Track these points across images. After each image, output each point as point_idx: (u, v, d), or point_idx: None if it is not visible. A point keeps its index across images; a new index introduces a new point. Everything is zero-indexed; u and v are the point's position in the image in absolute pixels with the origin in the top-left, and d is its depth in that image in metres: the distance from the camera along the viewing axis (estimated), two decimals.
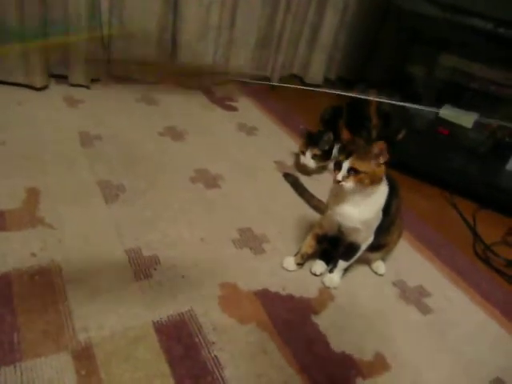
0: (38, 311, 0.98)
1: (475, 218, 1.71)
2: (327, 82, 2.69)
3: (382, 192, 1.11)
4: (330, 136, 1.67)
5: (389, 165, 1.07)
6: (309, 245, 1.24)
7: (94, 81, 2.01)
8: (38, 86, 1.86)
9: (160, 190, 1.45)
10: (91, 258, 1.14)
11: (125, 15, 1.97)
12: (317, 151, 1.67)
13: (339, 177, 1.05)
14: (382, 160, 1.04)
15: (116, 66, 2.09)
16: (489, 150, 1.89)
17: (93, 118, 1.77)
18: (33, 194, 1.31)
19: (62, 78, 1.97)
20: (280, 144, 1.91)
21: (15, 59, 1.79)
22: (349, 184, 1.04)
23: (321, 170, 1.77)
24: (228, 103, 2.16)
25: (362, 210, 1.10)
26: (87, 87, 1.98)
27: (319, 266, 1.27)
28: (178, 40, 2.13)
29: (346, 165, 1.04)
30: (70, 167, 1.46)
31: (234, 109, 2.12)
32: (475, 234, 1.63)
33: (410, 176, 1.86)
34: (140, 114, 1.89)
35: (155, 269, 1.16)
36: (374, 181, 1.06)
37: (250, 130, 1.95)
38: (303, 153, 1.69)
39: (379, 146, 1.02)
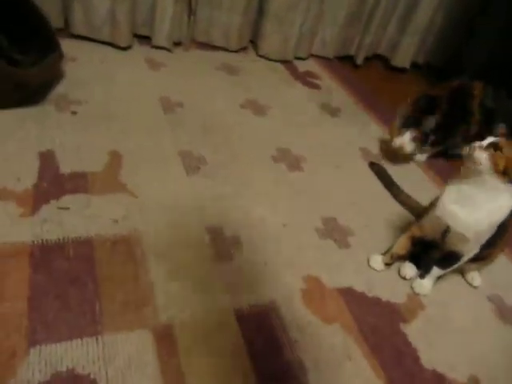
0: (119, 282, 0.95)
1: None
2: (414, 67, 2.50)
3: (506, 206, 0.97)
4: (436, 119, 1.51)
5: None
6: (402, 246, 1.14)
7: (176, 44, 1.95)
8: (123, 45, 1.82)
9: (241, 166, 1.38)
10: (172, 232, 1.09)
11: None
12: (418, 133, 1.50)
13: (477, 144, 0.94)
14: None
15: (199, 31, 2.02)
16: None
17: (174, 84, 1.71)
18: (115, 158, 1.27)
19: (144, 39, 1.92)
20: (365, 130, 1.78)
21: (103, 17, 1.75)
22: (483, 156, 0.92)
23: (409, 158, 1.63)
24: (310, 80, 2.04)
25: (479, 218, 0.97)
26: (169, 50, 1.92)
27: (409, 269, 1.17)
28: (265, 8, 2.02)
29: (490, 138, 0.94)
30: (152, 133, 1.41)
31: (317, 86, 2.00)
32: None
33: None
34: (221, 84, 1.81)
35: (236, 251, 1.09)
36: (507, 173, 0.92)
37: (334, 112, 1.83)
38: (400, 133, 1.53)
39: None
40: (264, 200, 1.27)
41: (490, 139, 0.94)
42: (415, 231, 1.12)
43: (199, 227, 1.13)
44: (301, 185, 1.38)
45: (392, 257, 1.15)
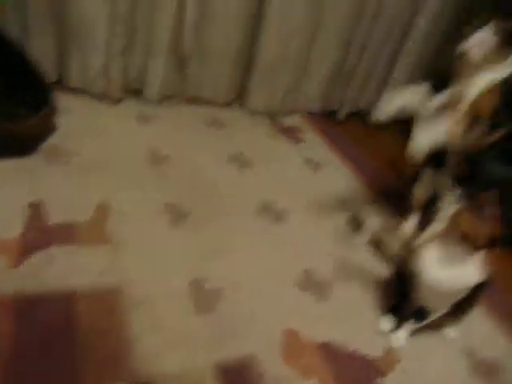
0: (101, 335, 0.96)
1: None
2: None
3: (476, 271, 1.02)
4: None
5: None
6: None
7: (166, 98, 2.04)
8: (115, 98, 1.90)
9: (226, 219, 1.42)
10: (155, 285, 1.12)
11: (205, 39, 1.99)
12: None
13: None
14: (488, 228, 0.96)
15: (189, 86, 2.11)
16: None
17: (163, 137, 1.78)
18: (103, 209, 1.31)
19: (136, 93, 2.01)
20: (346, 184, 1.85)
21: (97, 72, 1.84)
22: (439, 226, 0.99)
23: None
24: (294, 134, 2.13)
25: (452, 278, 1.01)
26: (160, 104, 2.00)
27: (387, 322, 1.20)
28: (253, 65, 2.14)
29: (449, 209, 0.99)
30: (140, 185, 1.46)
31: (301, 140, 2.09)
32: None
33: None
34: (208, 137, 1.89)
35: (217, 304, 1.12)
36: (468, 241, 0.97)
37: (317, 166, 1.90)
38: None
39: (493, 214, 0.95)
40: (246, 252, 1.31)
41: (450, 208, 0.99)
42: None
43: (182, 279, 1.16)
44: (283, 237, 1.42)
45: None
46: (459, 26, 1.44)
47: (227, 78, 2.10)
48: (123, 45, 1.82)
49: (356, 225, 1.57)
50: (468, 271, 1.01)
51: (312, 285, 1.27)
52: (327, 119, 2.42)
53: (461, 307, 1.14)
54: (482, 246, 0.96)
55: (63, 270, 1.08)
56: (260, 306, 1.15)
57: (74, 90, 1.87)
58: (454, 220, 0.97)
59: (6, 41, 1.52)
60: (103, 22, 1.76)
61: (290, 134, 2.13)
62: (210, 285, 1.16)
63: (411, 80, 2.49)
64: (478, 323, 1.32)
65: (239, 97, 2.27)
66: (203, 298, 1.12)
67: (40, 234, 1.17)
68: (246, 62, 2.16)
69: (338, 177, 1.88)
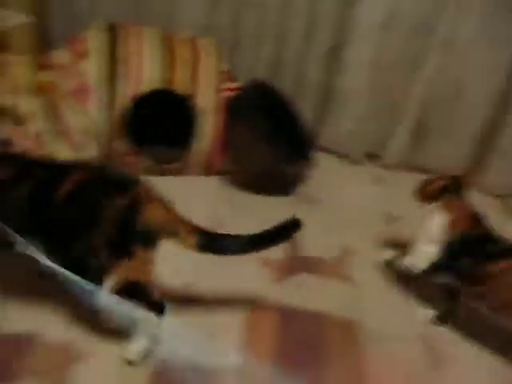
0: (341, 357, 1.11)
1: None
2: None
3: None
4: None
5: None
6: None
7: (399, 164, 2.19)
8: (355, 160, 2.16)
9: None
10: (389, 327, 1.23)
11: (450, 113, 2.08)
12: None
13: None
14: None
15: (425, 156, 2.20)
16: None
17: (394, 200, 1.89)
18: (344, 252, 1.51)
19: (371, 157, 2.21)
20: None
21: (345, 135, 2.12)
22: None
23: None
24: None
25: None
26: (391, 169, 2.16)
27: None
28: (495, 144, 2.13)
29: None
30: (374, 238, 1.61)
31: None
32: None
33: None
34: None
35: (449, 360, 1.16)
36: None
37: None
38: None
39: None
40: None
41: None
42: None
43: (414, 327, 1.25)
44: None
45: None
46: None
47: (463, 155, 2.14)
48: (372, 113, 2.07)
49: None
50: None
51: None
52: None
53: None
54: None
55: (312, 294, 1.30)
56: None
57: (324, 148, 2.17)
58: None
59: (284, 101, 1.89)
60: (363, 91, 2.04)
61: None
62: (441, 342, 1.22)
63: None
64: None
65: (472, 174, 2.24)
66: (436, 354, 1.18)
67: (295, 261, 1.42)
68: (487, 141, 2.15)
69: None
